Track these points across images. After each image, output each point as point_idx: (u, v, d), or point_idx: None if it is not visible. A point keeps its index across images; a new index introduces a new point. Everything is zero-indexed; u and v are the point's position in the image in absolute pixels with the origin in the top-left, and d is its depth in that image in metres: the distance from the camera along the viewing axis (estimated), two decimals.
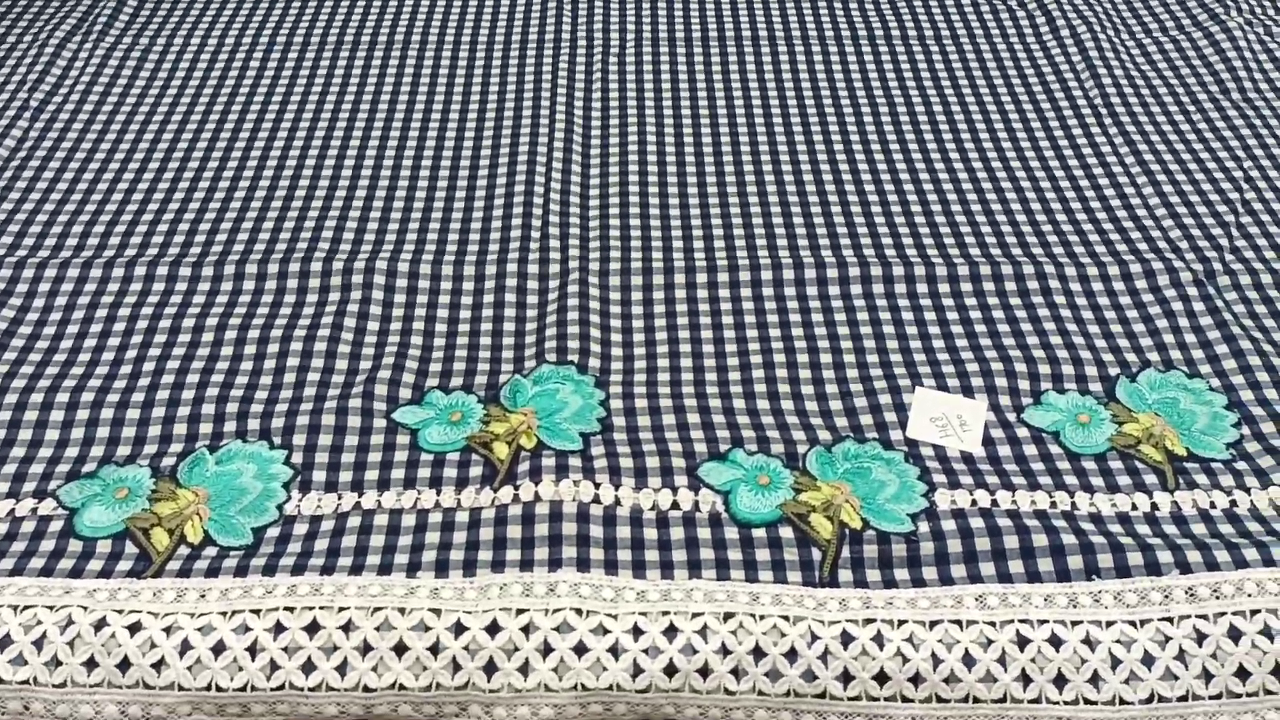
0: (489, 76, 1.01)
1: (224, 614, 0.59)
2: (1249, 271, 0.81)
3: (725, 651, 0.58)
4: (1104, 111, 0.97)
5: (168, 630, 0.58)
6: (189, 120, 0.95)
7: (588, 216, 0.86)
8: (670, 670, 0.57)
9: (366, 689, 0.57)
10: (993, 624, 0.59)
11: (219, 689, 0.57)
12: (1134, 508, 0.65)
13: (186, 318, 0.77)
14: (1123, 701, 0.57)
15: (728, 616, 0.59)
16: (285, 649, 0.58)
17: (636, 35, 1.07)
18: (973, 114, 0.98)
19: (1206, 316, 0.77)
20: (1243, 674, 0.57)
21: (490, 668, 0.57)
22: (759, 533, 0.63)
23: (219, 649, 0.57)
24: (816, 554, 0.62)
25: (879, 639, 0.58)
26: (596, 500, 0.64)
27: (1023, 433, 0.70)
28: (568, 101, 0.97)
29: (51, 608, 0.59)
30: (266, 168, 0.91)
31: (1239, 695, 0.57)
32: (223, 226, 0.85)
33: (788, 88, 1.00)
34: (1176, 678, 0.57)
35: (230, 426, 0.70)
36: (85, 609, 0.59)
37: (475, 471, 0.67)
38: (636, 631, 0.58)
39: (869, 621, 0.59)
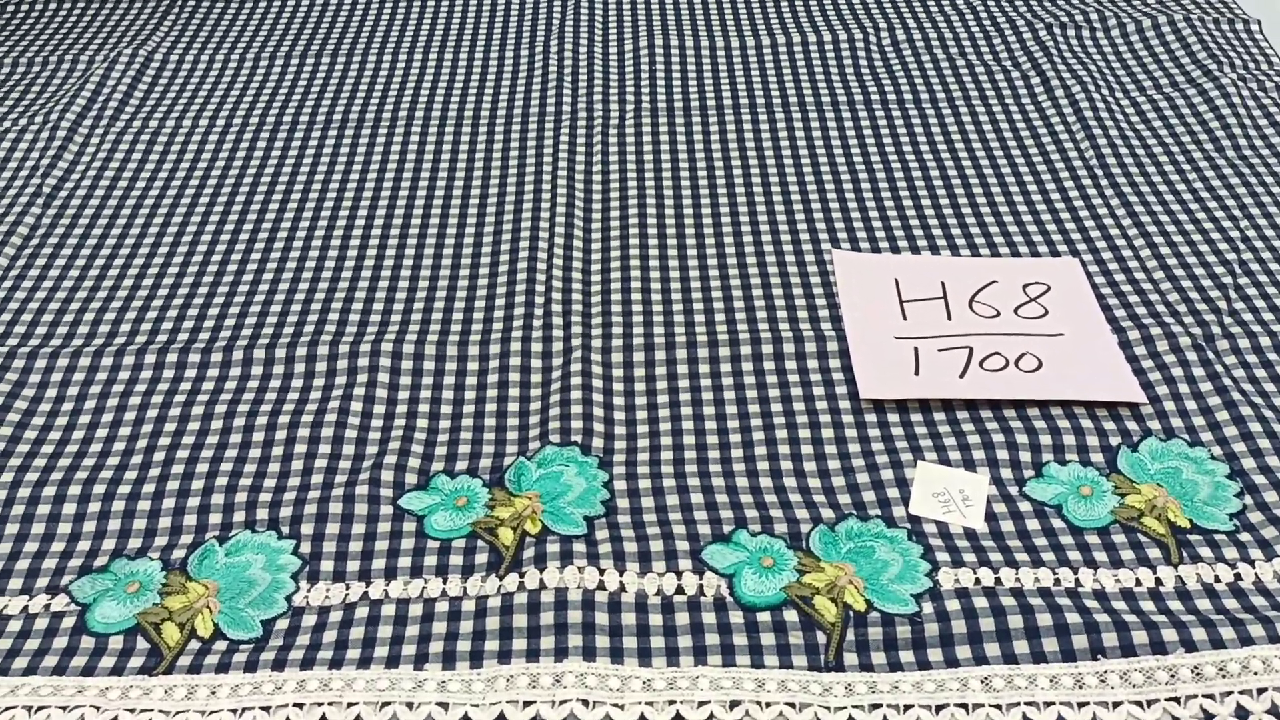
0: (491, 154, 1.03)
1: (234, 711, 0.59)
2: (1248, 335, 0.81)
3: None
4: (1100, 172, 0.98)
5: None
6: (196, 205, 0.97)
7: (589, 293, 0.87)
8: None
9: None
10: (999, 706, 0.59)
11: None
12: (1138, 583, 0.65)
13: (195, 405, 0.78)
14: None
15: (734, 704, 0.59)
16: None
17: (636, 107, 1.08)
18: (969, 177, 0.99)
19: (1206, 383, 0.77)
20: None
21: None
22: (764, 616, 0.64)
23: None
24: (821, 637, 0.63)
25: None
26: (601, 586, 0.65)
27: (1025, 507, 0.70)
28: (568, 177, 0.99)
29: (65, 708, 0.59)
30: (273, 251, 0.92)
31: None
32: (230, 312, 0.86)
33: (785, 157, 1.01)
34: None
35: (239, 516, 0.70)
36: (98, 709, 0.59)
37: (481, 559, 0.67)
38: None
39: (875, 707, 0.59)
